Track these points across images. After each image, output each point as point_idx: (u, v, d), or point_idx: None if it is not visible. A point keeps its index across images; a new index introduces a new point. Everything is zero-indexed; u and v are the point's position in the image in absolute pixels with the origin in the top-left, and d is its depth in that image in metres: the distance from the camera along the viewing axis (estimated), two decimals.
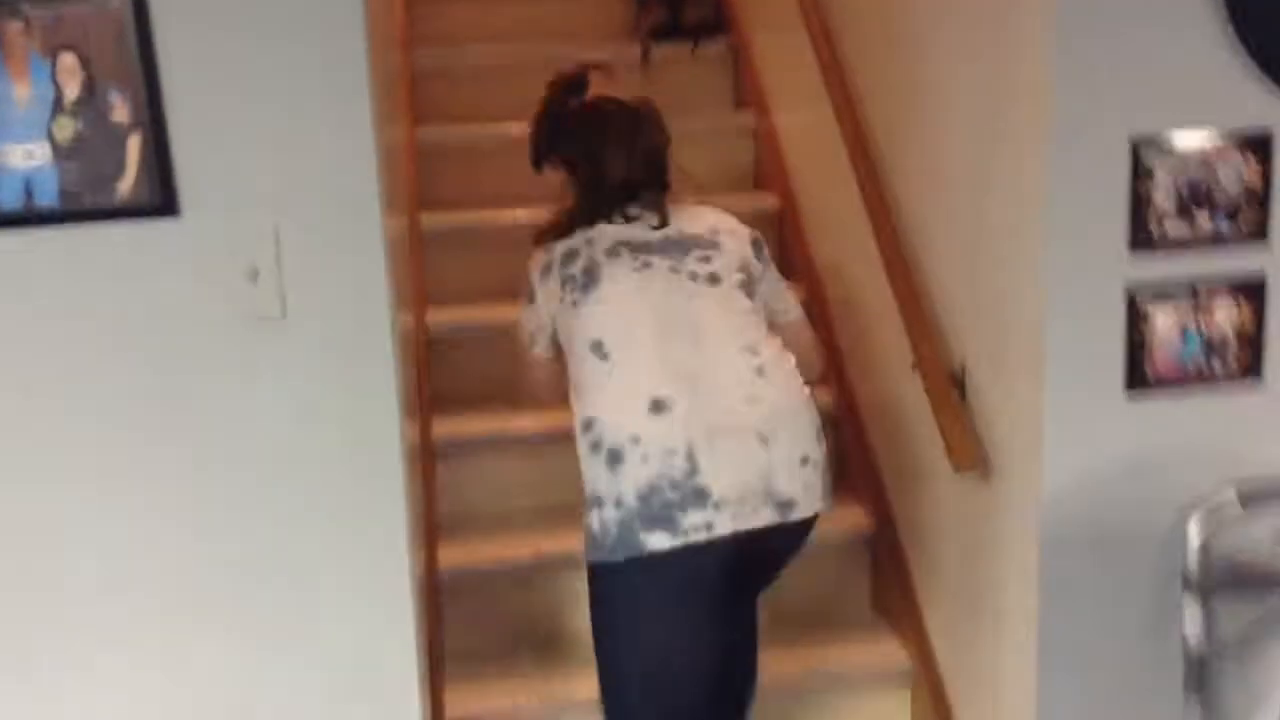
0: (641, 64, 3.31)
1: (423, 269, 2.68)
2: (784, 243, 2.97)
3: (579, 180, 1.94)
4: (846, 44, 2.51)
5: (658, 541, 1.70)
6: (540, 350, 1.94)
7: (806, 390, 1.86)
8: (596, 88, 1.97)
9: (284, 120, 1.38)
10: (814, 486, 1.80)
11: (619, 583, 1.77)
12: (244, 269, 1.39)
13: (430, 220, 2.77)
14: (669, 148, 1.96)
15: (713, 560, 1.73)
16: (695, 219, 1.92)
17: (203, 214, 1.39)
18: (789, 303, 2.02)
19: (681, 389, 1.75)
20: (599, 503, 1.74)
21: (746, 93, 3.33)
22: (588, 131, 1.94)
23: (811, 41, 2.53)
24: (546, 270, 1.89)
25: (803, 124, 2.88)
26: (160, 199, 1.36)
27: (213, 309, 1.40)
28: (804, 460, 1.79)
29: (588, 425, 1.78)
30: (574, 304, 1.83)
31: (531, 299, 1.91)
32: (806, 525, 1.83)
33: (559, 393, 1.93)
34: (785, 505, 1.76)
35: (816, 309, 2.64)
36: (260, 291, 1.40)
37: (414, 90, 3.02)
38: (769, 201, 3.06)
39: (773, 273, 1.98)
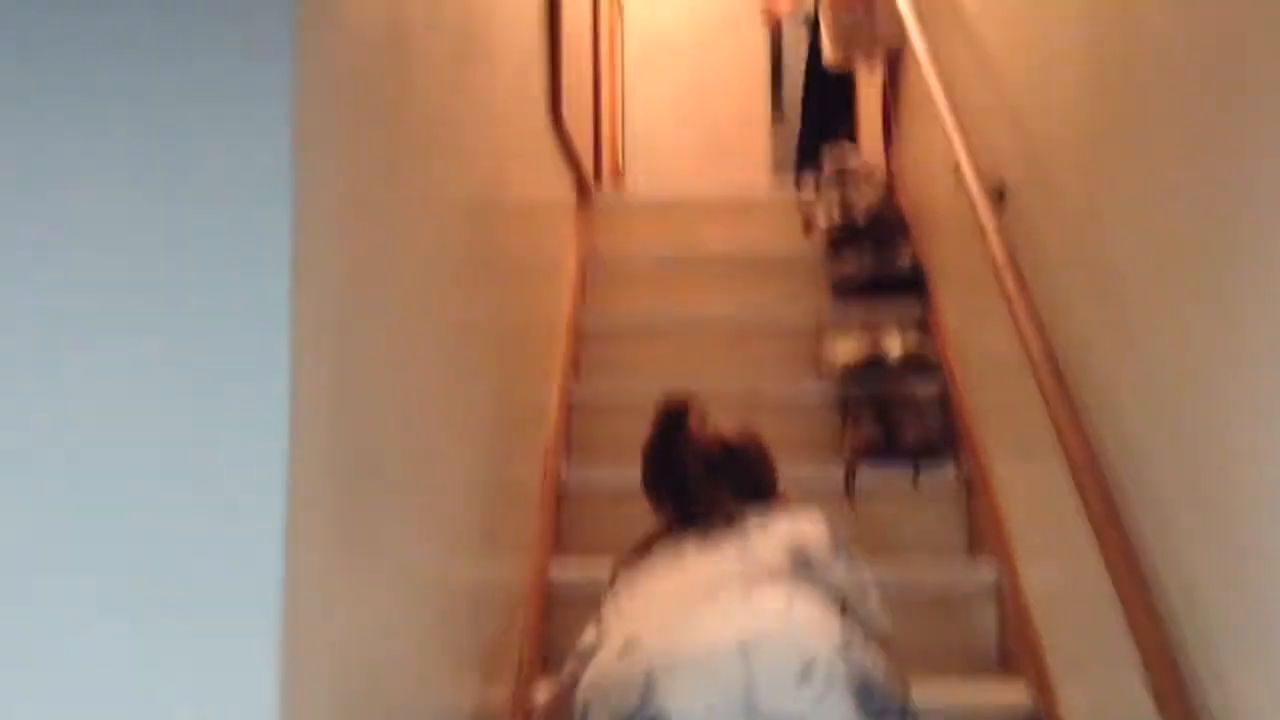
0: (845, 493, 2.60)
1: None
2: None
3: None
4: (1126, 481, 1.71)
5: None
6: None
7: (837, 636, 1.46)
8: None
9: None
10: (843, 713, 1.36)
11: None
12: None
13: None
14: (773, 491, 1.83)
15: None
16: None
17: None
18: (873, 608, 1.63)
19: (658, 626, 1.51)
20: None
21: (984, 536, 2.52)
22: (668, 472, 1.83)
23: (1074, 476, 1.73)
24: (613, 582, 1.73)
25: (1066, 583, 2.03)
26: None
27: None
28: (804, 675, 1.38)
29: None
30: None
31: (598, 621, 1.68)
32: None
33: None
34: None
35: None
36: None
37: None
38: (1019, 695, 2.14)
39: (857, 567, 1.65)
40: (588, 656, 1.59)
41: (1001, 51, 2.44)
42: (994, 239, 2.15)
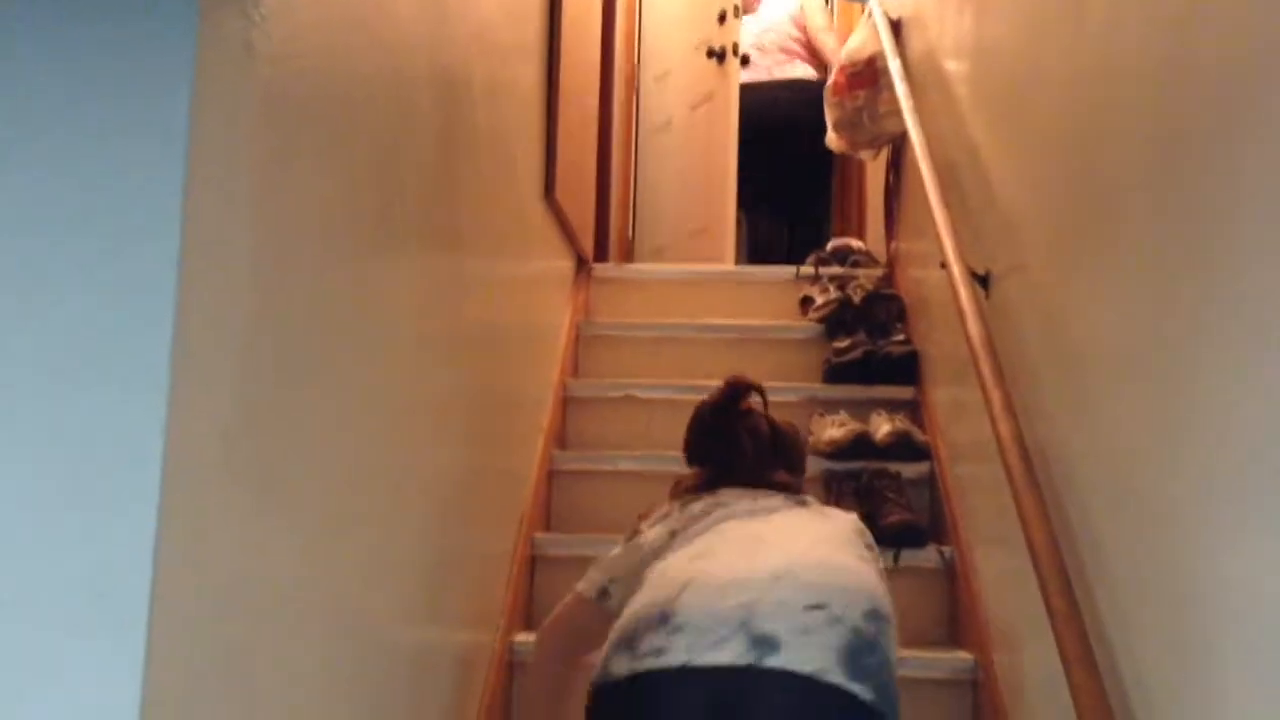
0: None
1: None
2: None
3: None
4: (1090, 571, 1.68)
5: (618, 665, 1.52)
6: (601, 604, 1.75)
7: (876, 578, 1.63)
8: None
9: None
10: (823, 645, 1.44)
11: (595, 712, 1.57)
12: None
13: None
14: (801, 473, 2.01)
15: (671, 705, 1.46)
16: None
17: None
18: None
19: (700, 565, 1.59)
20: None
21: (964, 622, 2.48)
22: (721, 439, 1.94)
23: (1034, 563, 1.70)
24: (666, 516, 1.80)
25: (1038, 674, 1.99)
26: None
27: None
28: (815, 606, 1.47)
29: None
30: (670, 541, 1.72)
31: (632, 537, 1.80)
32: (798, 692, 1.42)
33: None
34: (762, 642, 1.43)
35: None
36: None
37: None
38: None
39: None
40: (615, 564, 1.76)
41: (990, 147, 2.46)
42: (972, 321, 2.15)
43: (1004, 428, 1.91)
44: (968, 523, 2.56)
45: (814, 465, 2.85)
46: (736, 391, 1.96)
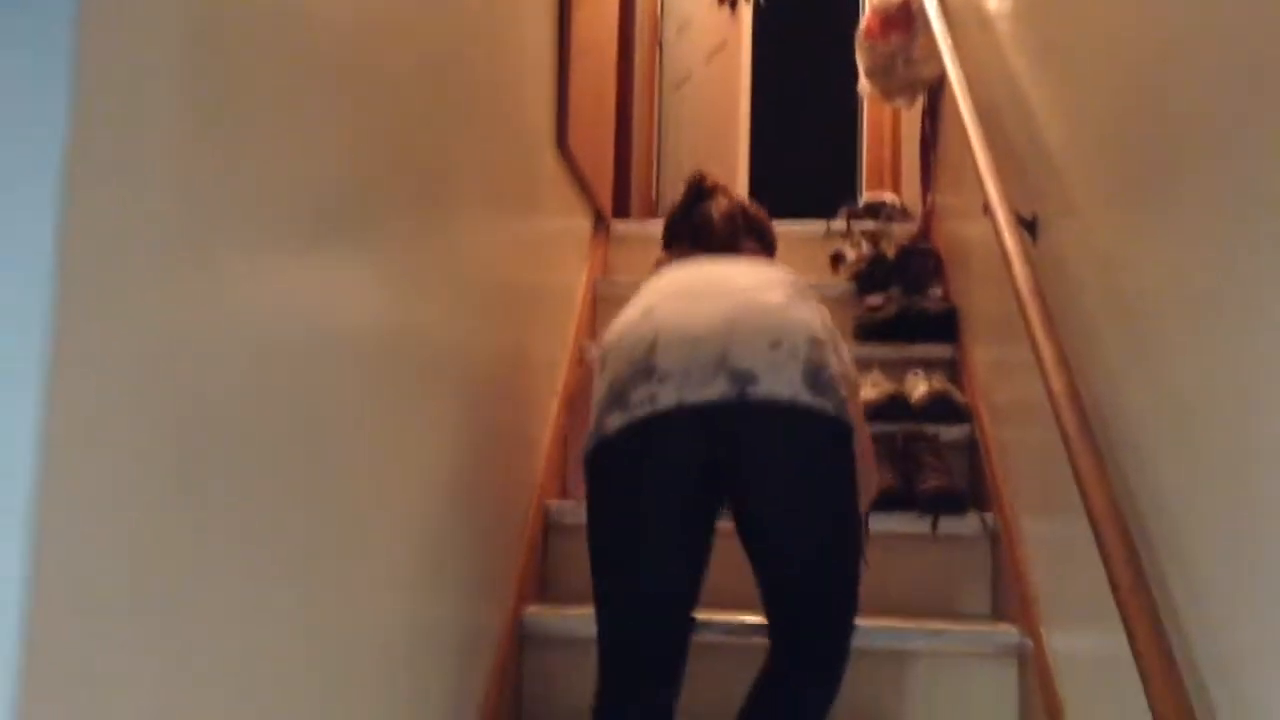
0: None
1: None
2: None
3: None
4: (1157, 537, 1.51)
5: (613, 421, 1.67)
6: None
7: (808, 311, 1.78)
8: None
9: None
10: (791, 376, 1.64)
11: (591, 470, 1.73)
12: None
13: None
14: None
15: (668, 442, 1.64)
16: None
17: None
18: (854, 386, 1.83)
19: (672, 303, 1.76)
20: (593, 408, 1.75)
21: (1008, 594, 2.32)
22: (691, 219, 2.10)
23: (1094, 530, 1.54)
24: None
25: (1090, 650, 1.83)
26: None
27: None
28: (775, 344, 1.67)
29: None
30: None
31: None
32: (782, 414, 1.63)
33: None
34: (742, 378, 1.63)
35: None
36: None
37: None
38: None
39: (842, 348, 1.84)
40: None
41: (1036, 84, 2.27)
42: (1019, 268, 1.97)
43: (1057, 383, 1.74)
44: (1012, 488, 2.39)
45: None
46: (699, 184, 2.12)
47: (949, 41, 2.87)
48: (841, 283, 3.24)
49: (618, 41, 3.92)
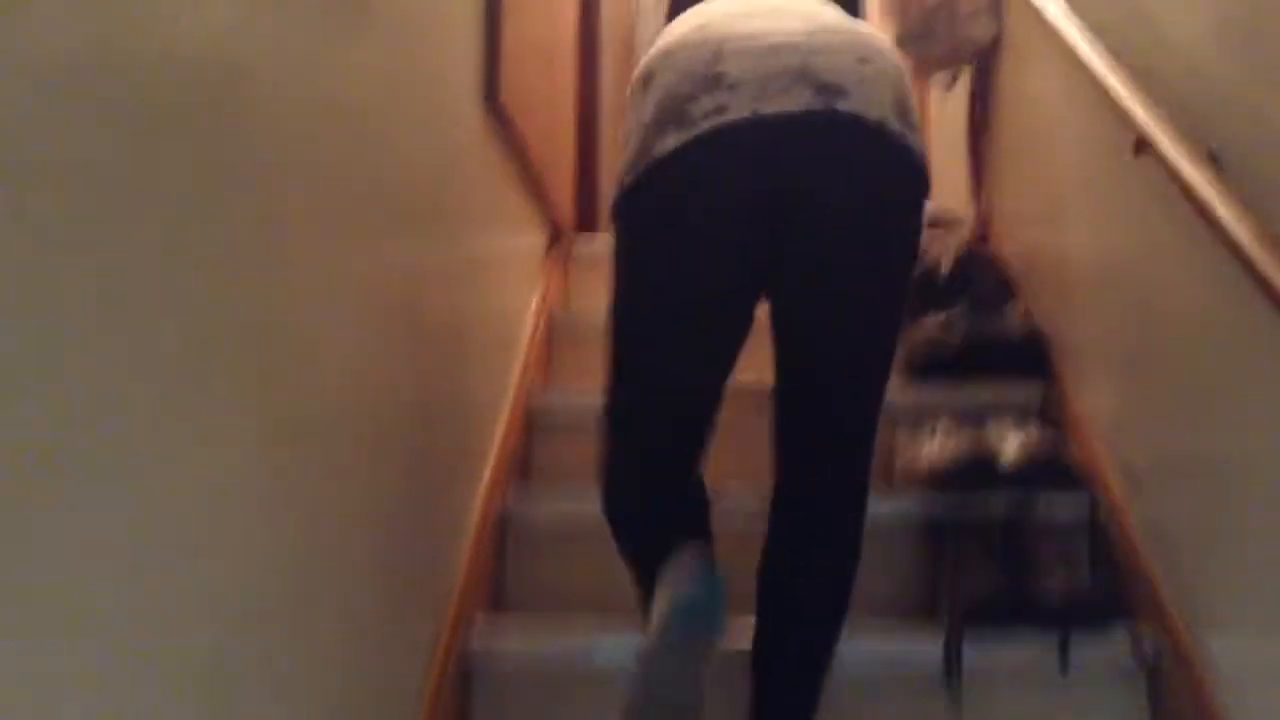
0: (945, 678, 1.58)
1: None
2: None
3: None
4: None
5: (668, 141, 1.31)
6: None
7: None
8: None
9: None
10: (881, 97, 1.31)
11: (630, 213, 1.38)
12: None
13: None
14: None
15: (732, 160, 1.30)
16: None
17: None
18: None
19: (731, 12, 1.41)
20: (627, 141, 1.40)
21: None
22: None
23: None
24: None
25: None
26: None
27: None
28: (863, 60, 1.34)
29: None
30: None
31: None
32: (873, 135, 1.30)
33: None
34: (829, 90, 1.30)
35: None
36: None
37: None
38: None
39: None
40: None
41: None
42: (1226, 210, 1.17)
43: None
44: (1184, 588, 1.55)
45: (908, 508, 1.85)
46: None
47: None
48: None
49: (578, 32, 3.15)
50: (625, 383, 1.43)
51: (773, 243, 1.33)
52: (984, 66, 2.69)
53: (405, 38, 1.43)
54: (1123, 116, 1.56)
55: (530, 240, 2.37)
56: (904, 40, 2.70)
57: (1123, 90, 1.54)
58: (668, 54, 1.39)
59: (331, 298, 1.14)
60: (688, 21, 1.44)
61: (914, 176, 1.35)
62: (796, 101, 1.28)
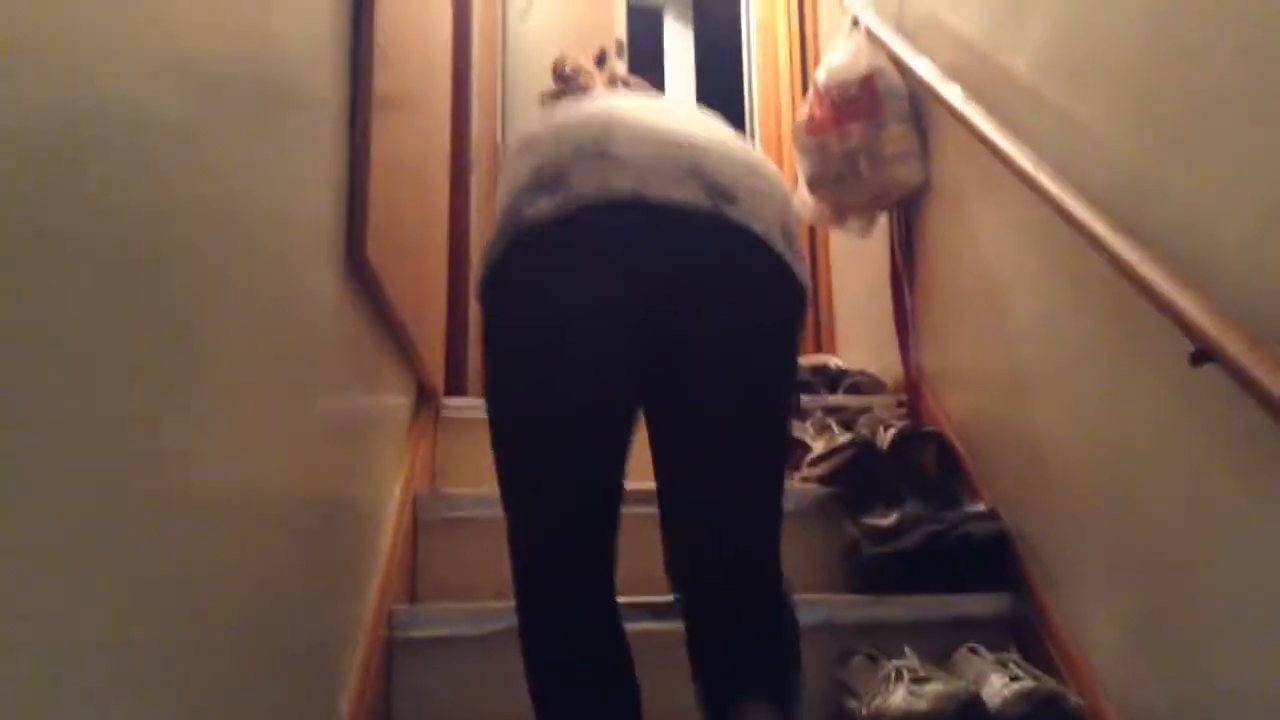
0: None
1: None
2: None
3: None
4: None
5: (543, 205, 1.23)
6: None
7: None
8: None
9: None
10: (768, 216, 1.28)
11: (497, 307, 1.28)
12: None
13: None
14: None
15: (610, 245, 1.22)
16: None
17: None
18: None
19: (625, 106, 1.36)
20: (498, 208, 1.32)
21: None
22: None
23: None
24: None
25: None
26: None
27: None
28: (753, 172, 1.31)
29: None
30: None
31: None
32: (756, 254, 1.25)
33: None
34: (719, 192, 1.25)
35: None
36: None
37: None
38: None
39: None
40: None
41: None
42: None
43: None
44: None
45: None
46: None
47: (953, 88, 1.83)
48: (808, 489, 2.05)
49: (450, 148, 2.78)
50: (511, 494, 1.35)
51: (650, 352, 1.26)
52: (908, 213, 2.43)
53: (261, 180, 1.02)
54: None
55: (396, 403, 1.94)
56: (820, 182, 2.42)
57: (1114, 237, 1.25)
58: (555, 126, 1.33)
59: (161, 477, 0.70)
60: (580, 106, 1.39)
61: (794, 294, 1.31)
62: (685, 194, 1.22)
